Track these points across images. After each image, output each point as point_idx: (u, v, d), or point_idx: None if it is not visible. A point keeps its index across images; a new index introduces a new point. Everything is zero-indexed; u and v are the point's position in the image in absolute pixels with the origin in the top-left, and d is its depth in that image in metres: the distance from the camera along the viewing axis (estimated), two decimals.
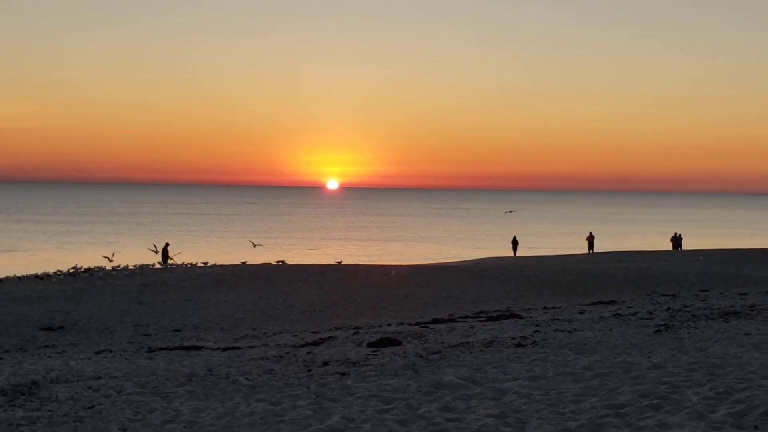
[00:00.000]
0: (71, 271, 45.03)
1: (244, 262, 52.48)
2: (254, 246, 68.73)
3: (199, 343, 20.41)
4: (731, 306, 23.33)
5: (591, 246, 71.65)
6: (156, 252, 53.61)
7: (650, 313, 21.91)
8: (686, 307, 23.76)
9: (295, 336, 21.51)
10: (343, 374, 13.73)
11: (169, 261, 51.98)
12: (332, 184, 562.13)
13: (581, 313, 23.78)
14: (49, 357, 18.04)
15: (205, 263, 50.80)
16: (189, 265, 49.63)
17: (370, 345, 17.30)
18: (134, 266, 47.74)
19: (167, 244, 54.04)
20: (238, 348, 18.48)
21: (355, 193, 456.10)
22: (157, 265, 49.75)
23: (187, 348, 18.97)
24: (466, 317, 25.21)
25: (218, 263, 51.55)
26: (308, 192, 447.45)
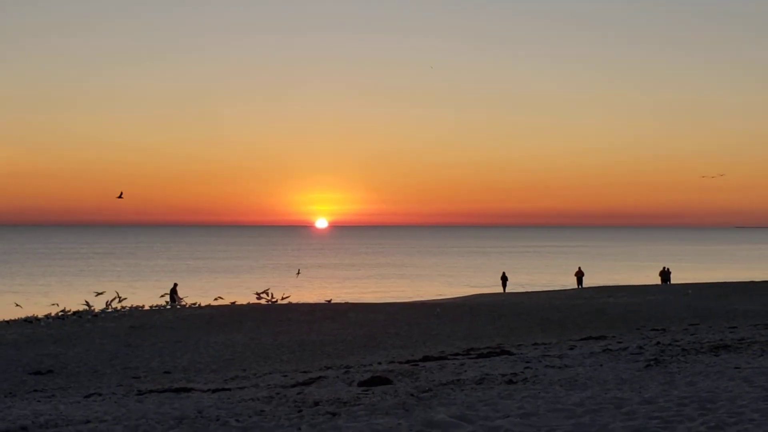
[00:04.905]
0: (60, 314, 44.79)
1: (233, 302, 52.32)
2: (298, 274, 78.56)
3: (189, 385, 20.30)
4: (721, 339, 23.38)
5: (580, 281, 71.77)
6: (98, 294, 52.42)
7: (640, 347, 21.94)
8: (676, 341, 23.80)
9: (286, 376, 21.43)
10: (334, 414, 13.67)
11: (180, 301, 51.80)
12: (321, 223, 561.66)
13: (571, 349, 23.78)
14: (39, 401, 17.90)
15: (195, 304, 50.61)
16: (178, 306, 49.45)
17: (360, 384, 17.24)
18: (123, 308, 47.53)
19: (176, 285, 54.04)
20: (229, 389, 18.39)
21: (344, 231, 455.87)
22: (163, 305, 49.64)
23: (177, 390, 18.86)
24: (457, 354, 25.16)
25: (209, 304, 51.37)
26: (297, 231, 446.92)
